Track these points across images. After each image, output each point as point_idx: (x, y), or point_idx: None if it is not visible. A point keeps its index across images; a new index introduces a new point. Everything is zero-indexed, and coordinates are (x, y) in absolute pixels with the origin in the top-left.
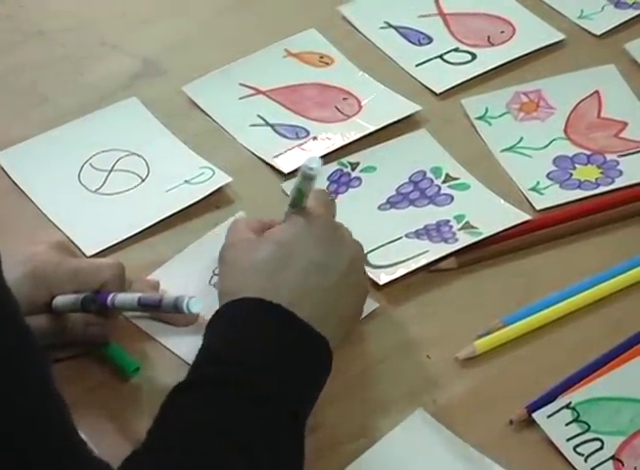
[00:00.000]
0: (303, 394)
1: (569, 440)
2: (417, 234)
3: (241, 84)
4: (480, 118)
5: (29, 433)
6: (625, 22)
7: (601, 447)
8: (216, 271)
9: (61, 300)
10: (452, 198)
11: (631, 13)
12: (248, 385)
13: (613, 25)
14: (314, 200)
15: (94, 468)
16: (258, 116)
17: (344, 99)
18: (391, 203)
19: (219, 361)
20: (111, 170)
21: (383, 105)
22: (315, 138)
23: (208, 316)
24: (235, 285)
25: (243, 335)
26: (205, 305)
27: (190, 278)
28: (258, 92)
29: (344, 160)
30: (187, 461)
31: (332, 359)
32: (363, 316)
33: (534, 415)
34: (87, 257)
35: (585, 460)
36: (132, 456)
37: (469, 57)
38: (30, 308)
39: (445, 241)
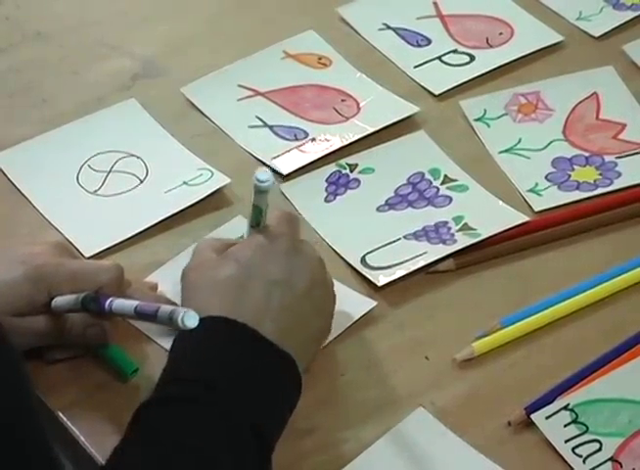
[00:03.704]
0: (268, 410)
1: (567, 441)
2: (415, 236)
3: (239, 85)
4: (478, 120)
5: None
6: (624, 23)
7: (599, 449)
8: None
9: (60, 300)
10: (451, 199)
11: (630, 14)
12: (211, 402)
13: (611, 27)
14: (277, 218)
15: None
16: (257, 117)
17: (343, 100)
18: (390, 204)
19: (183, 380)
20: (109, 172)
21: (381, 106)
22: (314, 139)
23: None
24: (197, 305)
25: (205, 353)
26: None
27: None
28: (257, 93)
29: (343, 161)
30: None
31: (299, 376)
32: (362, 315)
33: (533, 417)
34: (86, 258)
35: (584, 462)
36: None
37: (467, 58)
38: (30, 309)
39: (444, 242)
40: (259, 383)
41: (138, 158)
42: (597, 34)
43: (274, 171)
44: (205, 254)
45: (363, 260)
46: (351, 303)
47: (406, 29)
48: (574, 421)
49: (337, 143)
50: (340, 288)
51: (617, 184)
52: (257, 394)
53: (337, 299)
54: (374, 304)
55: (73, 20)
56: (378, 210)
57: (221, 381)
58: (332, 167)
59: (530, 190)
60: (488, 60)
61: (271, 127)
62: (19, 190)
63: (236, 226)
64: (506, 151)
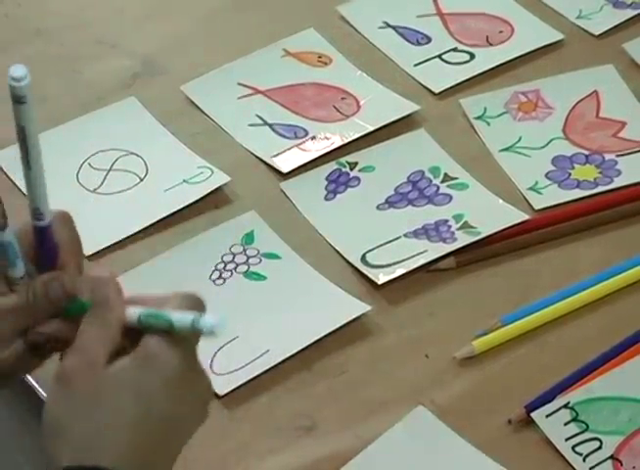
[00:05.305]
0: None
1: (567, 439)
2: (415, 234)
3: (239, 84)
4: (478, 118)
5: None
6: (624, 21)
7: (599, 447)
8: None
9: None
10: (451, 197)
11: (630, 13)
12: None
13: (611, 25)
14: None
15: None
16: (257, 115)
17: (343, 99)
18: (390, 202)
19: None
20: (109, 170)
21: (381, 104)
22: (314, 138)
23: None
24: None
25: None
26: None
27: (186, 274)
28: (257, 92)
29: (343, 159)
30: None
31: None
32: (356, 316)
33: (533, 415)
34: (86, 256)
35: (584, 460)
36: None
37: (467, 57)
38: None
39: (444, 241)
40: None
41: (138, 156)
42: (597, 33)
43: (275, 170)
44: (93, 351)
45: (363, 259)
46: (343, 305)
47: (406, 28)
48: (575, 419)
49: (337, 141)
50: (334, 289)
51: (618, 182)
52: None
53: (327, 301)
54: (367, 308)
55: (73, 18)
56: (378, 208)
57: None
58: (332, 166)
59: (531, 188)
60: (488, 58)
61: (271, 126)
62: (19, 189)
63: (236, 225)
64: (506, 149)
